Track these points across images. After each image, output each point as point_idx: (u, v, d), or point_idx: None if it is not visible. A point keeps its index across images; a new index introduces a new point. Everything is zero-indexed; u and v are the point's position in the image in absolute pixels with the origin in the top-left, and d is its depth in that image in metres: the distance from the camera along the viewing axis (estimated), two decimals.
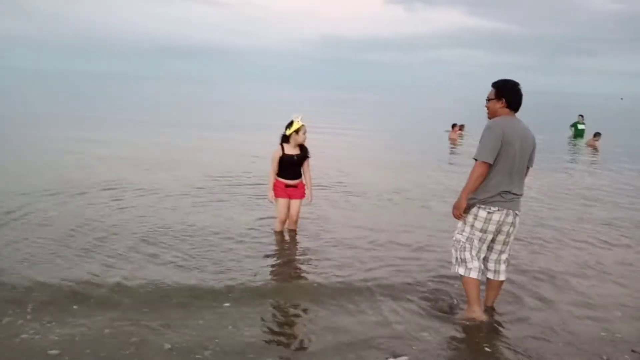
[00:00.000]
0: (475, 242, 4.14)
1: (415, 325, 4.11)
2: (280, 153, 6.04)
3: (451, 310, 4.41)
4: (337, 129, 20.82)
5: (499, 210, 4.03)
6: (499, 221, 4.06)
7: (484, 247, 4.19)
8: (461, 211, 4.10)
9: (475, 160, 4.00)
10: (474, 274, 4.13)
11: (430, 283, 4.96)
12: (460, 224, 4.21)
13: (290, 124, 6.01)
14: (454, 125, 18.84)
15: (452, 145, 17.11)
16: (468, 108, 47.64)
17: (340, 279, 4.95)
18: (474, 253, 4.15)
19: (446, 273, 5.02)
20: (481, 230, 4.09)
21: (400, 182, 10.06)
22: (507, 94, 4.12)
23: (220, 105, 36.66)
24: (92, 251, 5.41)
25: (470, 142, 16.24)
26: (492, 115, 4.19)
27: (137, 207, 7.19)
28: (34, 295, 4.33)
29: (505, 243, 4.21)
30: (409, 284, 4.93)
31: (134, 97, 43.60)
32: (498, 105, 4.14)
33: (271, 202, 6.24)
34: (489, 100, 4.20)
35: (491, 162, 3.94)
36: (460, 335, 4.00)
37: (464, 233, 4.18)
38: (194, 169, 10.39)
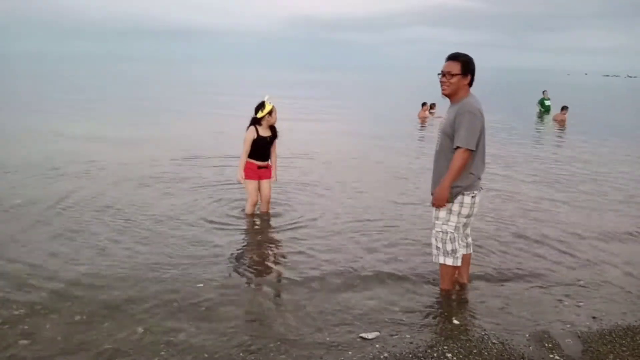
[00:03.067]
0: (461, 229, 4.10)
1: (387, 302, 4.14)
2: (254, 135, 5.96)
3: (422, 286, 4.45)
4: (307, 113, 20.62)
5: (478, 192, 4.02)
6: (479, 203, 4.07)
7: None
8: (445, 201, 3.93)
9: (458, 147, 3.77)
10: (460, 262, 4.14)
11: (400, 259, 5.02)
12: (442, 214, 4.01)
13: (262, 106, 5.91)
14: (424, 104, 18.65)
15: (421, 124, 17.16)
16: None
17: (314, 259, 4.97)
18: (461, 241, 4.12)
19: (411, 249, 5.09)
20: (467, 216, 4.05)
21: (369, 160, 10.14)
22: (473, 70, 3.91)
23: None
24: None
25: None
26: (452, 92, 3.91)
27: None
28: None
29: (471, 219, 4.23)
30: (381, 261, 4.97)
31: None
32: (463, 82, 3.88)
33: (239, 182, 6.18)
34: (453, 75, 3.86)
35: (474, 149, 3.81)
36: (430, 310, 4.05)
37: (450, 223, 4.02)
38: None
